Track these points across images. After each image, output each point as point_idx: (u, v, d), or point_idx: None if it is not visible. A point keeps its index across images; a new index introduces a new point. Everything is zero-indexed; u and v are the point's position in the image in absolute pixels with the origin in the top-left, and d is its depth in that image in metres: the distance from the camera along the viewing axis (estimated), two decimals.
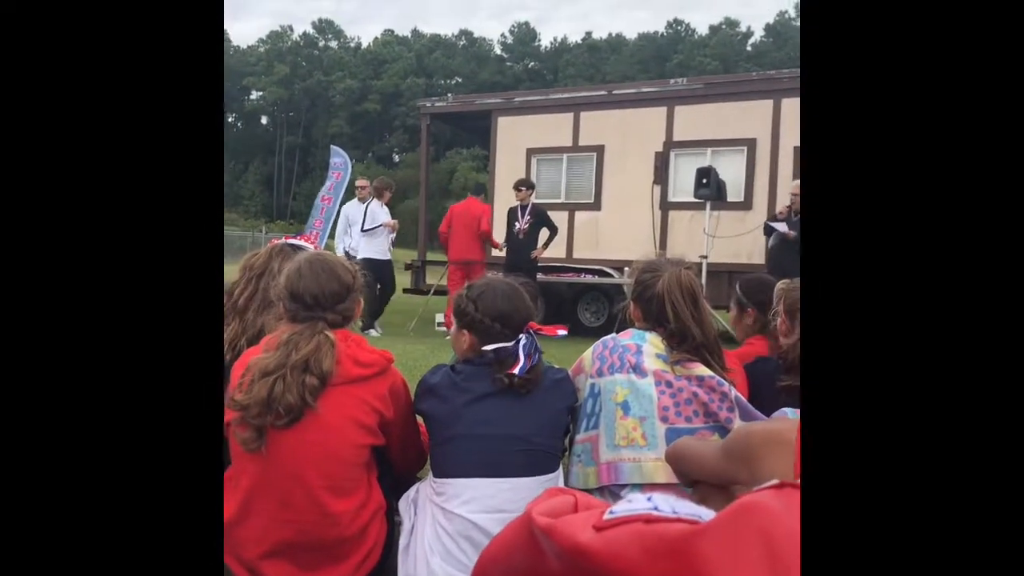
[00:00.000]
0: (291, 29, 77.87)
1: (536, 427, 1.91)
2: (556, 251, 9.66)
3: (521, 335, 1.96)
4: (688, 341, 2.02)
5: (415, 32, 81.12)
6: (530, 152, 10.53)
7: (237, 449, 1.85)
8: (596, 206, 10.20)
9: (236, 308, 2.25)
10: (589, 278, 9.68)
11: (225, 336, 2.21)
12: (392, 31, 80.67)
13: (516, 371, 1.89)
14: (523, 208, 8.52)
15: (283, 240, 2.43)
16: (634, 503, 0.88)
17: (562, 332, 2.18)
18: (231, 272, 2.43)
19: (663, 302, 2.06)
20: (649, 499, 0.86)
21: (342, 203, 10.26)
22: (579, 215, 10.27)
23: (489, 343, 1.96)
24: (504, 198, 10.03)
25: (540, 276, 8.87)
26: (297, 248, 2.35)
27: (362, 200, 9.15)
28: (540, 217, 8.51)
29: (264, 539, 1.84)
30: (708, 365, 2.00)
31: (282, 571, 1.84)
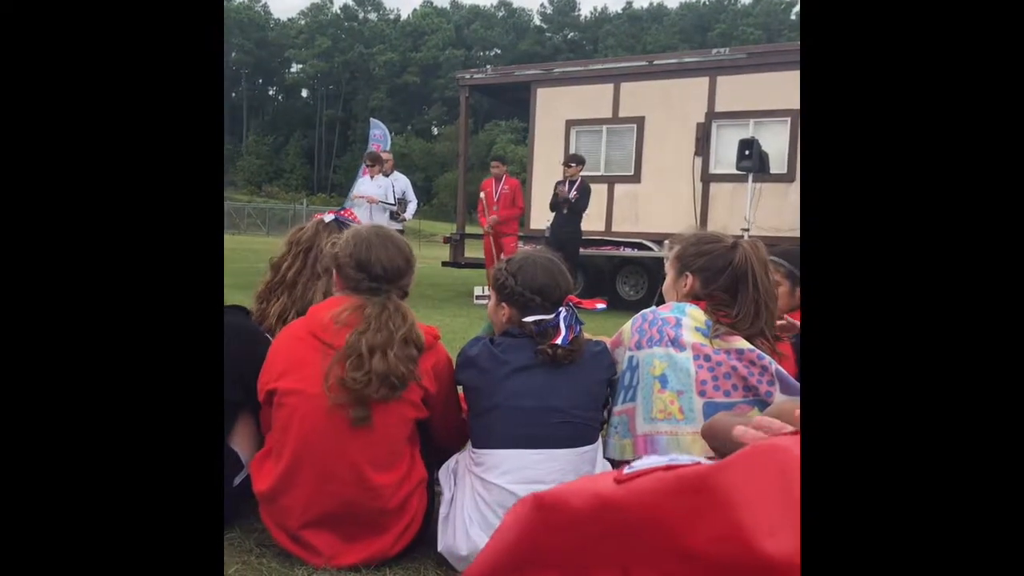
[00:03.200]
0: (331, 1, 77.95)
1: (575, 399, 1.92)
2: (595, 224, 9.62)
3: (561, 308, 1.97)
4: (759, 315, 1.98)
5: (454, 3, 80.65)
6: (569, 124, 10.45)
7: (280, 422, 1.89)
8: (636, 178, 10.11)
9: (285, 282, 2.29)
10: (628, 251, 9.62)
11: (273, 310, 2.25)
12: (431, 2, 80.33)
13: (559, 341, 1.90)
14: (571, 183, 8.48)
15: (328, 214, 2.45)
16: (653, 459, 0.89)
17: (601, 306, 2.17)
18: (274, 244, 2.46)
19: (743, 272, 2.00)
20: (670, 458, 0.88)
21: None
22: (618, 188, 10.20)
23: (529, 315, 1.96)
24: (543, 169, 10.01)
25: (580, 250, 8.84)
26: (343, 223, 2.37)
27: (386, 174, 9.10)
28: (586, 190, 8.47)
29: (308, 510, 1.88)
30: (752, 340, 1.96)
31: (324, 540, 1.88)
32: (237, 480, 2.09)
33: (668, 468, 0.84)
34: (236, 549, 1.95)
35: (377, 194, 8.84)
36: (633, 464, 0.88)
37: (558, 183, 8.62)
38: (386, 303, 1.92)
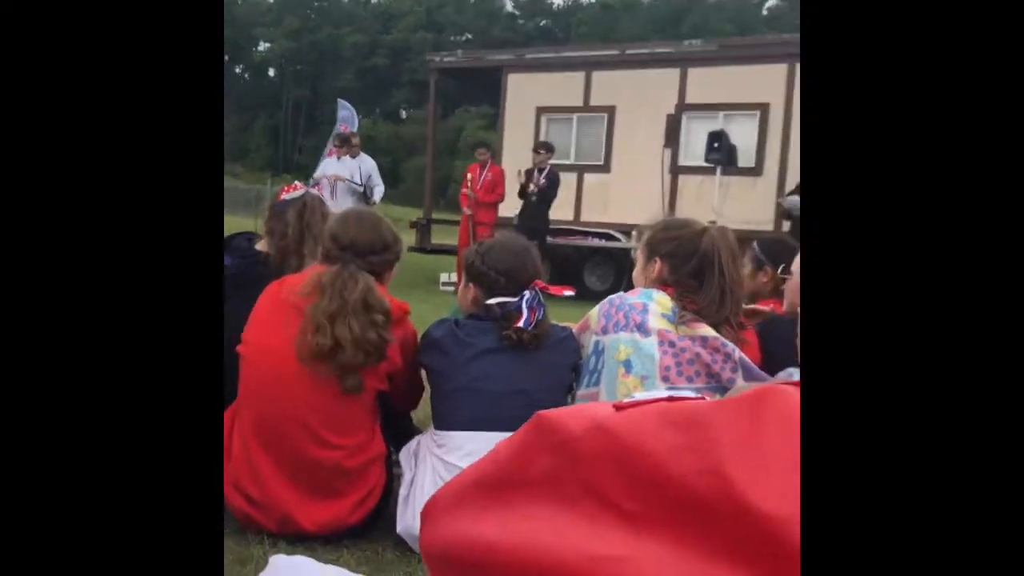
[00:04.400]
0: None
1: (539, 383, 1.92)
2: (563, 213, 9.62)
3: (526, 291, 1.96)
4: (724, 302, 1.98)
5: None
6: (540, 111, 10.43)
7: (242, 376, 1.95)
8: (606, 168, 10.13)
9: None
10: (596, 241, 9.65)
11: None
12: None
13: (521, 324, 1.90)
14: (540, 170, 8.47)
15: (296, 190, 2.46)
16: (656, 392, 0.90)
17: (568, 293, 2.17)
18: (237, 223, 2.44)
19: (710, 259, 1.99)
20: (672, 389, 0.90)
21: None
22: (588, 177, 10.21)
23: (493, 297, 1.97)
24: (512, 157, 9.97)
25: (548, 239, 8.85)
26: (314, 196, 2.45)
27: (353, 156, 8.99)
28: (554, 179, 8.47)
29: (264, 464, 1.92)
30: (718, 327, 1.97)
31: (279, 497, 1.90)
32: None
33: (670, 400, 0.86)
34: None
35: (343, 175, 8.74)
36: (635, 395, 0.90)
37: (526, 171, 8.60)
38: (340, 271, 1.94)
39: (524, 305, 1.93)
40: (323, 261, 2.02)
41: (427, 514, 1.12)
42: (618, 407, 0.89)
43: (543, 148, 8.56)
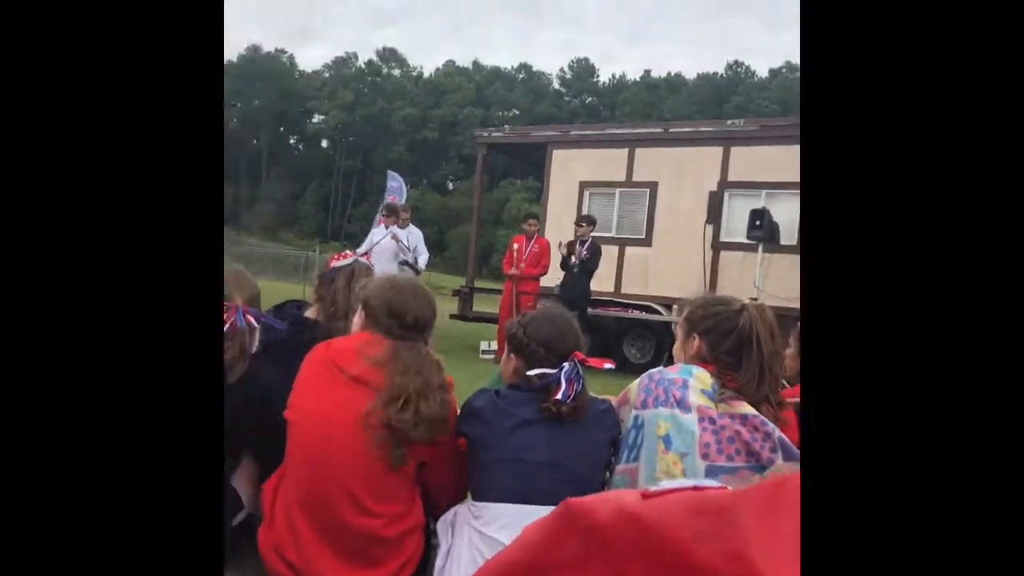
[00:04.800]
0: (356, 56, 79.74)
1: (578, 456, 1.92)
2: (605, 285, 9.65)
3: (565, 363, 1.98)
4: (763, 380, 1.98)
5: (476, 63, 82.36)
6: (583, 185, 10.57)
7: (289, 441, 1.95)
8: (647, 242, 10.17)
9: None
10: (637, 314, 9.63)
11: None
12: (454, 62, 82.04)
13: (559, 396, 1.92)
14: (582, 242, 8.57)
15: (351, 256, 2.54)
16: (681, 480, 0.95)
17: (608, 365, 2.17)
18: (282, 289, 2.51)
19: (748, 336, 2.01)
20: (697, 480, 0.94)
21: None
22: (629, 250, 10.26)
23: (534, 368, 1.99)
24: (556, 229, 10.08)
25: (589, 310, 8.87)
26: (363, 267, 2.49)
27: (402, 227, 9.18)
28: (596, 251, 8.55)
29: (304, 530, 1.91)
30: (757, 406, 1.97)
31: (318, 566, 1.90)
32: (237, 520, 2.09)
33: (697, 488, 0.89)
34: None
35: (391, 245, 8.92)
36: (661, 484, 0.93)
37: (568, 242, 8.69)
38: (420, 349, 1.99)
39: (563, 377, 1.95)
40: (377, 331, 2.02)
41: None
42: (645, 495, 0.93)
43: (585, 221, 8.67)
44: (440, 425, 1.94)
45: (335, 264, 2.52)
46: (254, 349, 2.07)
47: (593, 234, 8.62)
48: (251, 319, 2.04)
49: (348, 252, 2.66)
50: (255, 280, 2.21)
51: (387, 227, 9.09)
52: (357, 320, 2.11)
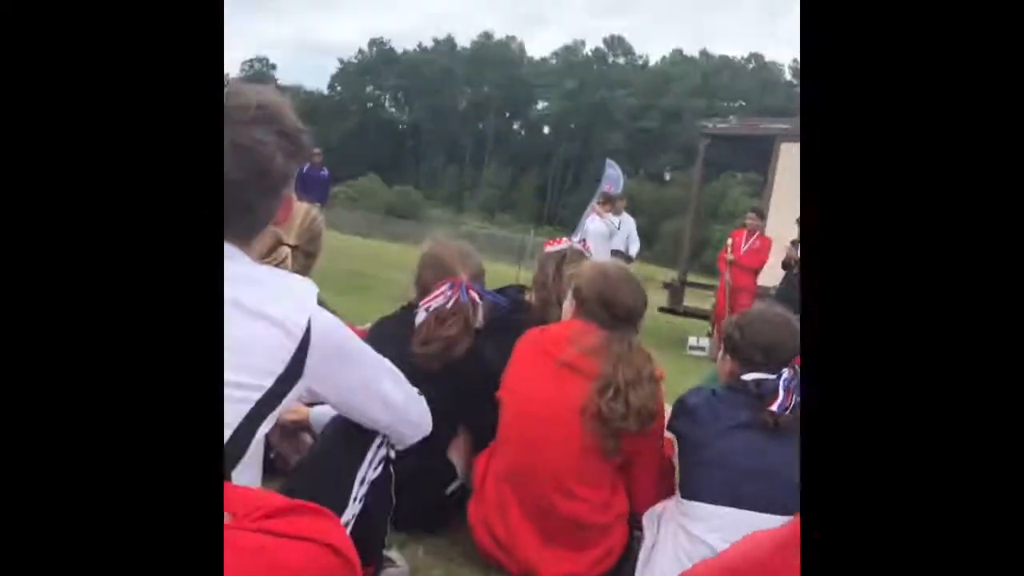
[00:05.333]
0: (583, 43, 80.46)
1: (793, 465, 1.82)
2: None
3: (785, 369, 1.89)
4: None
5: (704, 52, 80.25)
6: None
7: (501, 419, 2.01)
8: None
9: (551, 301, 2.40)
10: None
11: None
12: (681, 51, 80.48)
13: (775, 407, 1.83)
14: None
15: (566, 242, 2.57)
16: None
17: None
18: (500, 271, 2.59)
19: None
20: None
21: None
22: None
23: (751, 372, 1.92)
24: (779, 226, 9.62)
25: None
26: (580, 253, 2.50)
27: (616, 214, 9.14)
28: None
29: (511, 505, 1.97)
30: None
31: (523, 541, 1.95)
32: (450, 488, 2.19)
33: None
34: (442, 556, 2.05)
35: (604, 232, 8.96)
36: None
37: (792, 240, 8.27)
38: (631, 340, 1.98)
39: (781, 386, 1.86)
40: (588, 319, 2.02)
41: None
42: None
43: None
44: (649, 416, 1.92)
45: (548, 249, 2.56)
46: (478, 325, 2.13)
47: None
48: (474, 295, 2.11)
49: (562, 238, 2.68)
50: (479, 258, 2.27)
51: (601, 215, 9.13)
52: (568, 307, 2.11)
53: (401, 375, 1.48)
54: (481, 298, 2.13)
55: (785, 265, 8.26)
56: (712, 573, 1.13)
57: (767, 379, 1.88)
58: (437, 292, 2.08)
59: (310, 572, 1.18)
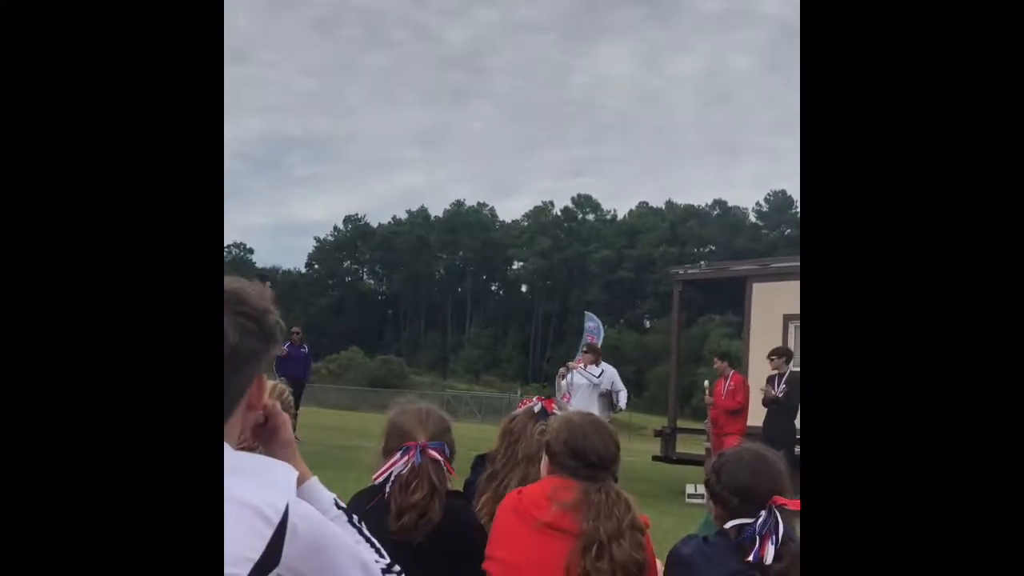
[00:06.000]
0: (552, 204, 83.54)
1: None
2: None
3: (762, 511, 1.85)
4: None
5: (669, 203, 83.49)
6: (787, 318, 10.17)
7: None
8: None
9: (492, 474, 2.39)
10: None
11: (480, 504, 2.34)
12: (647, 203, 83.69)
13: (751, 557, 1.77)
14: (779, 376, 8.20)
15: (536, 401, 2.56)
16: None
17: None
18: (486, 431, 2.58)
19: None
20: None
21: None
22: None
23: (731, 518, 1.88)
24: (759, 365, 9.70)
25: (799, 449, 8.32)
26: (546, 413, 2.48)
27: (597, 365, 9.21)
28: (796, 385, 8.11)
29: None
30: None
31: None
32: None
33: None
34: None
35: (586, 384, 8.97)
36: None
37: (767, 377, 8.34)
38: (608, 490, 1.95)
39: (757, 532, 1.81)
40: (562, 473, 2.01)
41: None
42: None
43: (776, 354, 8.31)
44: (637, 569, 1.86)
45: (515, 412, 2.58)
46: (449, 485, 2.12)
47: (797, 368, 8.21)
48: (433, 453, 2.09)
49: (531, 399, 2.67)
50: (442, 416, 2.26)
51: (586, 366, 9.17)
52: (543, 465, 2.11)
53: (374, 567, 1.44)
54: (448, 455, 2.12)
55: (765, 402, 8.27)
56: None
57: (746, 524, 1.84)
58: (391, 460, 2.08)
59: None
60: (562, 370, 9.92)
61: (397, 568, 1.48)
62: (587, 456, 2.00)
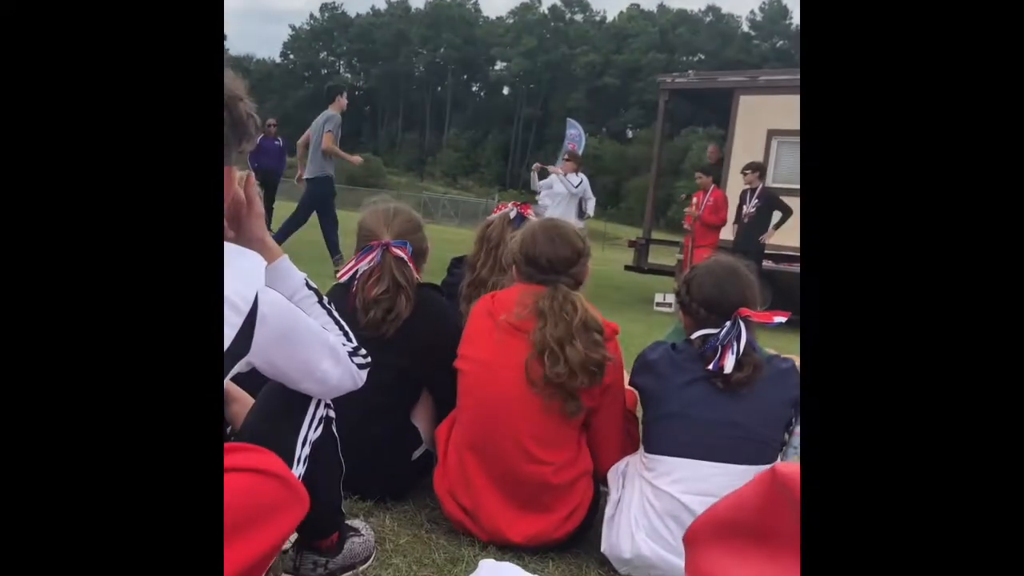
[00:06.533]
0: (540, 1, 79.46)
1: (754, 416, 1.84)
2: (788, 238, 9.18)
3: (727, 322, 1.88)
4: None
5: (661, 7, 79.80)
6: (771, 133, 10.02)
7: (460, 388, 2.01)
8: None
9: (479, 280, 2.40)
10: None
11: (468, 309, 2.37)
12: (638, 5, 79.93)
13: (711, 366, 1.83)
14: (752, 191, 8.22)
15: (512, 207, 2.54)
16: None
17: (780, 319, 1.98)
18: (465, 235, 2.57)
19: None
20: None
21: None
22: None
23: (699, 328, 1.92)
24: (738, 179, 9.70)
25: (768, 264, 8.50)
26: (522, 219, 2.46)
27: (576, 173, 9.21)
28: (769, 200, 8.15)
29: (477, 475, 1.96)
30: None
31: (490, 510, 1.94)
32: (416, 454, 2.19)
33: None
34: (408, 522, 2.04)
35: (563, 191, 8.98)
36: None
37: (740, 192, 8.36)
38: (555, 294, 1.95)
39: (719, 343, 1.85)
40: (522, 280, 2.04)
41: (691, 541, 1.26)
42: None
43: (750, 169, 8.26)
44: (596, 367, 1.89)
45: (490, 217, 2.57)
46: (419, 278, 2.14)
47: (774, 184, 8.21)
48: (396, 251, 2.09)
49: (505, 204, 2.64)
50: (411, 215, 2.23)
51: (566, 173, 9.12)
52: (514, 272, 2.13)
53: (341, 350, 1.46)
54: (413, 254, 2.12)
55: (737, 219, 8.34)
56: (710, 529, 1.18)
57: (711, 334, 1.88)
58: (354, 259, 2.12)
59: (258, 499, 1.22)
60: (536, 164, 9.92)
61: (363, 351, 1.51)
62: (537, 260, 2.00)
